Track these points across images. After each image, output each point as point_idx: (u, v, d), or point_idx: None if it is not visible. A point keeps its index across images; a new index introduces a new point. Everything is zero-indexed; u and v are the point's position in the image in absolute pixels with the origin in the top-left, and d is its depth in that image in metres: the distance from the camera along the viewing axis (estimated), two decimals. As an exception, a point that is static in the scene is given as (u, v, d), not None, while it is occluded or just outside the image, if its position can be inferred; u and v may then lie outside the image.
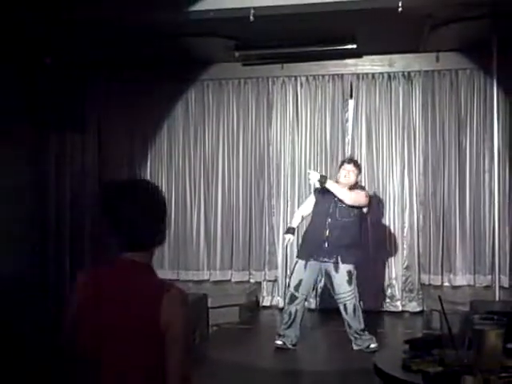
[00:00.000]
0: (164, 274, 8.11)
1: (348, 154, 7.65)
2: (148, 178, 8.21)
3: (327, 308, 6.91)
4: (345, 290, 5.52)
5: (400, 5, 5.33)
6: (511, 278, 7.13)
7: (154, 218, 2.08)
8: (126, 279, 2.03)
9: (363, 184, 7.55)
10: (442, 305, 2.61)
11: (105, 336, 1.95)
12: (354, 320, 5.55)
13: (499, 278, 6.55)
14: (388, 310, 7.39)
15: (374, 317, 7.24)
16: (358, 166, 5.94)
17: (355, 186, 5.82)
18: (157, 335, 1.93)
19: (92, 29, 6.14)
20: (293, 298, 5.65)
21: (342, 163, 5.97)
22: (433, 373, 2.46)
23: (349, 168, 5.81)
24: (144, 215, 2.03)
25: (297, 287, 5.63)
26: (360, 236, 5.88)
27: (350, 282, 5.51)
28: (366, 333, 5.63)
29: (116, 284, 2.03)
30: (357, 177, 5.87)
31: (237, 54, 7.23)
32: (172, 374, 1.94)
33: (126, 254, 2.06)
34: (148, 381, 1.94)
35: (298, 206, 7.62)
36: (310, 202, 5.99)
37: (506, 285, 7.04)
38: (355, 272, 5.59)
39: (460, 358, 2.52)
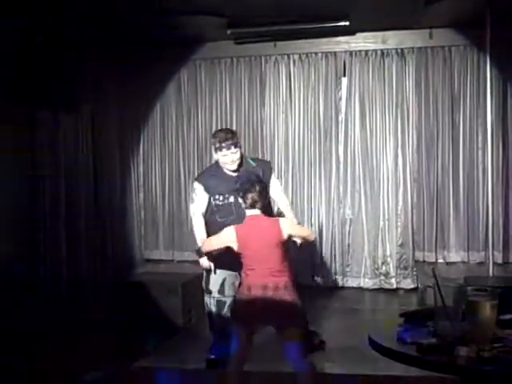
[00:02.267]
0: (159, 254, 8.16)
1: (342, 132, 7.64)
2: (141, 157, 8.21)
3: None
4: None
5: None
6: (505, 255, 7.18)
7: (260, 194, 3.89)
8: (257, 222, 3.87)
9: (357, 161, 7.60)
10: (435, 277, 2.62)
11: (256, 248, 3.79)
12: None
13: (493, 254, 6.57)
14: (383, 287, 7.42)
15: (367, 294, 7.33)
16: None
17: None
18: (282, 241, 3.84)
19: (84, 7, 6.08)
20: None
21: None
22: (426, 344, 2.48)
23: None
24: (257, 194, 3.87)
25: None
26: None
27: None
28: None
29: (254, 225, 3.86)
30: None
31: (229, 31, 7.18)
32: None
33: (250, 211, 3.88)
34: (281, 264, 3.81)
35: (292, 185, 7.65)
36: None
37: (500, 261, 7.09)
38: None
39: (454, 330, 2.53)
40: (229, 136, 4.58)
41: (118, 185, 8.09)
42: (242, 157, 4.66)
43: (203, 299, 6.58)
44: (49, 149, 7.39)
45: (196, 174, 7.91)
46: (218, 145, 4.57)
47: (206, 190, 4.63)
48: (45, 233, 7.34)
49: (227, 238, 3.87)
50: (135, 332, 5.85)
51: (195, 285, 6.57)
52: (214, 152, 4.66)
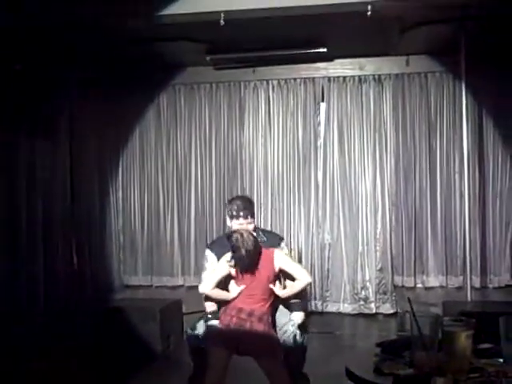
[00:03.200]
0: (137, 280, 8.09)
1: (321, 157, 7.68)
2: (120, 182, 8.17)
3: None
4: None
5: (369, 8, 5.36)
6: (482, 279, 7.24)
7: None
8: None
9: (335, 186, 7.64)
10: (411, 307, 2.63)
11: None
12: None
13: (471, 278, 6.60)
14: (362, 312, 7.42)
15: (346, 319, 7.32)
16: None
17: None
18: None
19: (62, 34, 6.08)
20: None
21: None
22: (403, 375, 2.48)
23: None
24: None
25: None
26: None
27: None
28: None
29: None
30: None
31: (208, 57, 7.23)
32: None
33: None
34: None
35: (271, 210, 7.66)
36: None
37: (478, 285, 7.14)
38: None
39: (430, 360, 2.53)
40: (247, 205, 4.35)
41: (96, 210, 8.03)
42: (255, 228, 4.45)
43: (182, 325, 6.63)
44: (26, 175, 7.34)
45: (175, 198, 7.96)
46: (234, 213, 4.29)
47: (218, 258, 4.48)
48: (22, 257, 7.28)
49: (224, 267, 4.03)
50: (113, 358, 5.78)
51: (174, 310, 6.58)
52: (228, 219, 4.39)
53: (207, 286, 4.11)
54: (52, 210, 7.51)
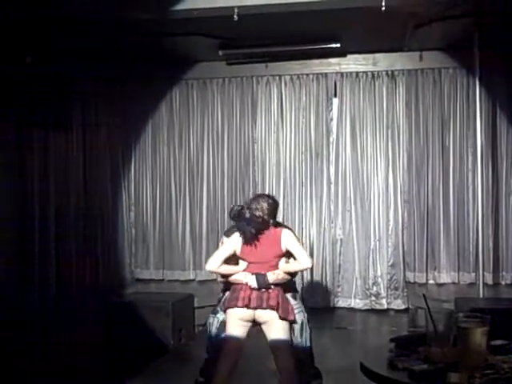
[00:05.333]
0: (149, 273, 8.12)
1: (333, 152, 7.67)
2: (132, 176, 8.20)
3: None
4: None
5: (383, 4, 5.35)
6: (495, 276, 7.22)
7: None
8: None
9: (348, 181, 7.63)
10: (426, 303, 2.63)
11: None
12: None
13: (483, 275, 6.59)
14: (374, 307, 7.42)
15: (358, 314, 7.32)
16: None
17: None
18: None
19: (76, 27, 6.10)
20: None
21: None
22: (418, 370, 2.48)
23: None
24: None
25: None
26: None
27: (294, 296, 4.61)
28: None
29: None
30: None
31: (221, 52, 7.23)
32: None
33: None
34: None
35: (283, 204, 7.66)
36: None
37: (490, 282, 7.12)
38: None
39: (445, 356, 2.53)
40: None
41: (109, 204, 8.07)
42: None
43: (194, 319, 6.65)
44: (39, 167, 7.40)
45: (187, 193, 7.98)
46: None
47: None
48: (35, 250, 7.34)
49: (235, 242, 4.19)
50: (125, 352, 5.81)
51: (186, 305, 6.60)
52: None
53: (214, 263, 4.23)
54: (65, 203, 7.58)
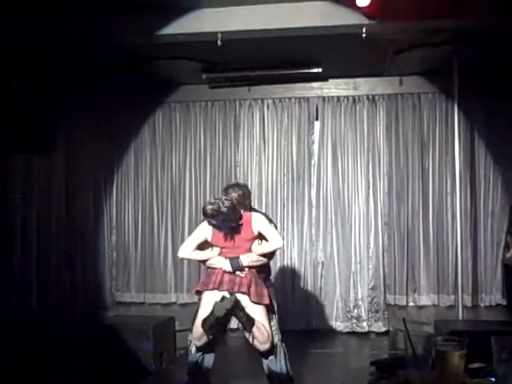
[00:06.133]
0: (130, 296, 8.08)
1: (314, 175, 7.74)
2: (114, 199, 8.19)
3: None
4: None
5: (364, 31, 5.46)
6: (474, 298, 7.30)
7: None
8: None
9: (329, 204, 7.70)
10: (405, 327, 2.66)
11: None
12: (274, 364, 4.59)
13: (462, 297, 6.66)
14: (355, 330, 7.45)
15: (339, 337, 7.33)
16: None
17: None
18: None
19: (61, 51, 6.14)
20: None
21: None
22: (398, 394, 2.51)
23: None
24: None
25: None
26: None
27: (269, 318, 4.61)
28: None
29: None
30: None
31: (204, 76, 7.30)
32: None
33: None
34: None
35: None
36: None
37: (469, 304, 7.19)
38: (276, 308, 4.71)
39: (424, 379, 2.57)
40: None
41: (90, 226, 8.05)
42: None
43: (175, 342, 6.62)
44: (22, 190, 7.37)
45: (169, 215, 7.98)
46: None
47: None
48: (15, 273, 7.27)
49: (204, 229, 4.43)
50: (106, 375, 5.77)
51: (167, 327, 6.57)
52: None
53: (185, 250, 4.54)
54: (46, 225, 7.53)
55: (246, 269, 4.36)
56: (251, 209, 4.76)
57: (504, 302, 7.27)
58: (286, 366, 4.55)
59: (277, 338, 4.50)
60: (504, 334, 2.64)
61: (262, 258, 4.45)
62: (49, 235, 7.57)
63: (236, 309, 4.30)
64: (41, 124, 7.22)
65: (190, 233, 7.83)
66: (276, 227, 4.83)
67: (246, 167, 7.90)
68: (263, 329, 4.32)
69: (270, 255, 4.60)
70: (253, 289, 4.31)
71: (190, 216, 7.96)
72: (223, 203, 4.27)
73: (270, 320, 4.46)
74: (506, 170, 7.37)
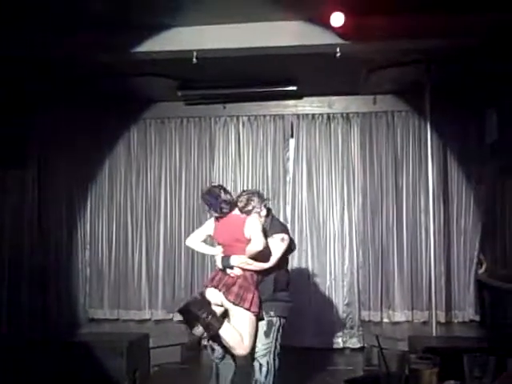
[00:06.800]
0: (103, 313, 8.02)
1: (289, 192, 7.78)
2: (88, 215, 8.14)
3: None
4: (260, 343, 4.57)
5: (338, 50, 5.54)
6: (447, 314, 7.38)
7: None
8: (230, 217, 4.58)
9: (304, 221, 7.72)
10: (379, 344, 2.69)
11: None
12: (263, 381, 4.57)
13: (436, 313, 6.72)
14: (329, 346, 7.45)
15: (315, 354, 7.32)
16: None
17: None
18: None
19: (35, 66, 6.12)
20: None
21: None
22: (371, 412, 2.53)
23: None
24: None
25: None
26: (281, 286, 4.73)
27: (267, 333, 4.59)
28: None
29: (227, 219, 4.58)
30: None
31: (179, 93, 7.32)
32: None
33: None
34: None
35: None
36: None
37: (443, 320, 7.26)
38: (278, 324, 4.64)
39: (397, 397, 2.59)
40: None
41: (63, 242, 7.97)
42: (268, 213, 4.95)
43: (149, 360, 6.57)
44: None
45: (144, 232, 7.96)
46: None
47: None
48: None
49: (209, 223, 4.71)
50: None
51: (141, 345, 6.52)
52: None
53: (191, 239, 4.78)
54: (19, 240, 7.45)
55: (239, 271, 4.45)
56: (270, 216, 4.82)
57: (477, 318, 7.35)
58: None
59: (268, 358, 4.52)
60: (477, 351, 2.68)
61: (253, 263, 4.46)
62: (21, 251, 7.48)
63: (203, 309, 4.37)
64: (13, 139, 7.17)
65: (164, 249, 7.92)
66: (291, 244, 4.82)
67: (220, 183, 7.85)
68: (234, 333, 4.32)
69: (270, 269, 4.57)
70: (234, 289, 4.36)
71: (164, 232, 7.95)
72: (219, 191, 4.62)
73: (254, 329, 4.46)
74: (478, 188, 7.48)
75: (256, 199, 4.74)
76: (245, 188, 7.83)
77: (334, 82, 7.12)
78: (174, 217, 7.93)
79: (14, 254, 7.36)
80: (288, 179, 7.84)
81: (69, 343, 6.44)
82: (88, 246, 8.13)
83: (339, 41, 5.50)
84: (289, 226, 7.67)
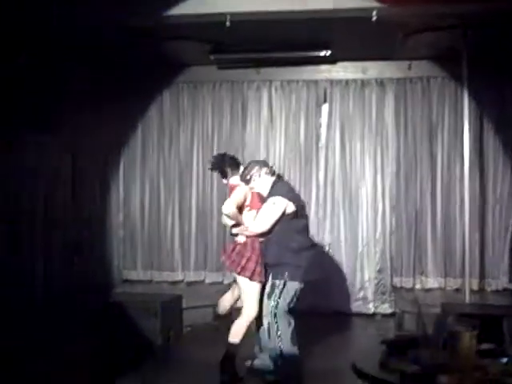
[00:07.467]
0: (136, 274, 8.15)
1: (322, 158, 7.75)
2: (121, 178, 8.23)
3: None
4: (263, 304, 4.81)
5: (374, 14, 5.45)
6: (480, 282, 7.34)
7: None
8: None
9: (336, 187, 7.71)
10: (419, 307, 2.71)
11: None
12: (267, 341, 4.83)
13: (469, 281, 6.70)
14: (360, 311, 7.49)
15: (345, 318, 7.38)
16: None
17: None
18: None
19: (68, 30, 6.14)
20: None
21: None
22: (410, 371, 2.56)
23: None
24: None
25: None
26: (289, 251, 4.81)
27: (269, 294, 4.78)
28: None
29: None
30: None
31: (212, 57, 7.28)
32: None
33: None
34: None
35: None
36: None
37: (476, 288, 7.22)
38: (282, 286, 4.76)
39: (436, 358, 2.62)
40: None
41: (97, 204, 8.07)
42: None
43: (182, 320, 6.68)
44: (28, 168, 7.38)
45: (177, 195, 8.02)
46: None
47: None
48: (23, 251, 7.31)
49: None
50: (112, 352, 5.83)
51: (174, 306, 6.63)
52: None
53: (226, 207, 4.87)
54: (53, 203, 7.55)
55: (243, 237, 4.81)
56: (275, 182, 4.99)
57: (511, 287, 7.30)
58: (280, 344, 4.69)
59: (269, 316, 4.72)
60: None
61: (247, 230, 4.82)
62: (56, 213, 7.60)
63: None
64: (48, 103, 7.23)
65: (197, 212, 7.99)
66: (297, 210, 4.88)
67: (252, 149, 7.89)
68: (237, 326, 4.81)
69: (264, 233, 4.83)
70: (233, 255, 4.82)
71: (197, 194, 8.02)
72: (215, 158, 5.38)
73: (257, 295, 4.79)
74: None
75: (254, 168, 4.93)
76: (277, 153, 7.85)
77: (368, 47, 7.01)
78: (207, 179, 7.97)
79: (48, 216, 7.48)
80: (320, 145, 7.80)
81: (104, 303, 6.57)
82: (122, 209, 8.22)
83: (375, 4, 5.42)
84: (321, 192, 7.71)
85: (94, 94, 7.87)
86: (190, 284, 7.93)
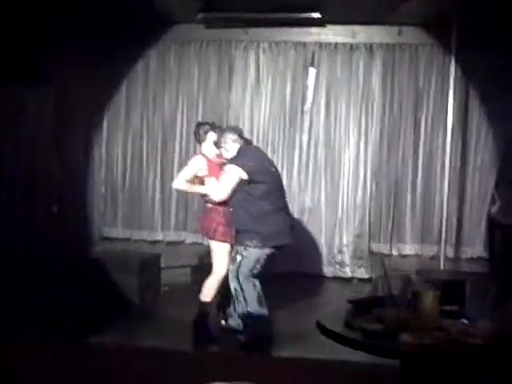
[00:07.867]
0: (116, 232, 8.14)
1: (306, 121, 7.73)
2: (104, 135, 8.16)
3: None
4: (229, 270, 4.90)
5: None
6: (456, 250, 7.41)
7: None
8: None
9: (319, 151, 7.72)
10: (383, 265, 2.73)
11: None
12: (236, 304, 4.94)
13: (445, 248, 6.76)
14: (337, 275, 7.57)
15: (322, 282, 7.45)
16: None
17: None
18: None
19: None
20: None
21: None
22: (371, 329, 2.58)
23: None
24: None
25: None
26: (249, 218, 4.81)
27: (233, 260, 4.84)
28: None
29: None
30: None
31: (200, 15, 7.18)
32: None
33: None
34: None
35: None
36: None
37: (452, 255, 7.32)
38: (243, 252, 4.78)
39: (398, 317, 2.64)
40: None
41: (79, 160, 8.02)
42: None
43: (159, 279, 6.71)
44: (12, 122, 7.31)
45: (159, 154, 7.99)
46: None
47: None
48: (2, 206, 7.28)
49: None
50: (90, 308, 5.85)
51: (152, 264, 6.65)
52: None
53: (175, 182, 5.28)
54: (35, 158, 7.50)
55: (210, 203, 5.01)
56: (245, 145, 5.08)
57: (486, 255, 7.38)
58: (248, 307, 4.77)
59: (234, 281, 4.80)
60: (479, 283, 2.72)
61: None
62: (37, 168, 7.55)
63: None
64: (33, 56, 7.12)
65: (178, 171, 7.93)
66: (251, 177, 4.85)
67: (238, 110, 7.85)
68: (208, 285, 5.02)
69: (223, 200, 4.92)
70: (201, 218, 5.25)
71: (179, 156, 7.96)
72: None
73: (227, 255, 4.95)
74: (499, 125, 7.36)
75: (222, 135, 5.00)
76: (262, 115, 7.81)
77: (358, 11, 6.95)
78: (190, 139, 7.90)
79: (29, 171, 7.43)
80: (306, 108, 7.77)
81: (83, 260, 6.58)
82: (103, 166, 8.18)
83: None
84: (304, 155, 7.71)
85: (78, 49, 7.75)
86: (169, 244, 7.93)
